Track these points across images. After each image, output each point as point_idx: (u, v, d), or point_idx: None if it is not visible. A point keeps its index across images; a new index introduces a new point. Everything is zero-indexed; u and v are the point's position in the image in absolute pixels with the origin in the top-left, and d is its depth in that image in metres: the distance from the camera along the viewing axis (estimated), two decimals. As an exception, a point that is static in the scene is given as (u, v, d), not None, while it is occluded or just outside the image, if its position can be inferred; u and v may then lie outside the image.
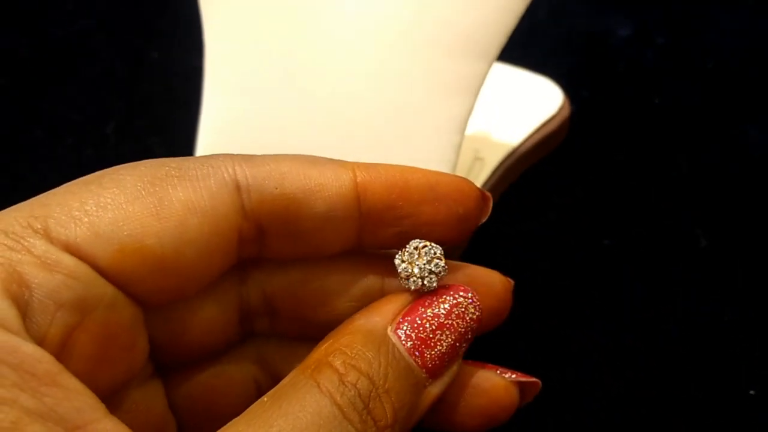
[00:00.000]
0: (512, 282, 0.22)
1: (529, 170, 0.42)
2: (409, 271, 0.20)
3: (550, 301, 0.36)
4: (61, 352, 0.16)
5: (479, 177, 0.38)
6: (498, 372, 0.22)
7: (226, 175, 0.19)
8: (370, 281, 0.21)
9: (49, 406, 0.15)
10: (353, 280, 0.21)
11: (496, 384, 0.21)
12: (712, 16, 0.51)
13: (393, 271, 0.20)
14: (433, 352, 0.19)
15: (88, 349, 0.17)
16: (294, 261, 0.21)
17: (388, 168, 0.20)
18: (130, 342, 0.18)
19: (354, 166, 0.20)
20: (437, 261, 0.20)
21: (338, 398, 0.17)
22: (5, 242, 0.16)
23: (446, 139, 0.30)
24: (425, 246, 0.20)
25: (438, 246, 0.20)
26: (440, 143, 0.31)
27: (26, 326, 0.16)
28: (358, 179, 0.20)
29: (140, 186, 0.18)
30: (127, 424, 0.17)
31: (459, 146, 0.31)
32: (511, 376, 0.22)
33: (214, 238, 0.18)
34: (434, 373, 0.19)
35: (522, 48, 0.44)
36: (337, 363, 0.18)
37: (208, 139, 0.32)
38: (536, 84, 0.43)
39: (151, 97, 0.47)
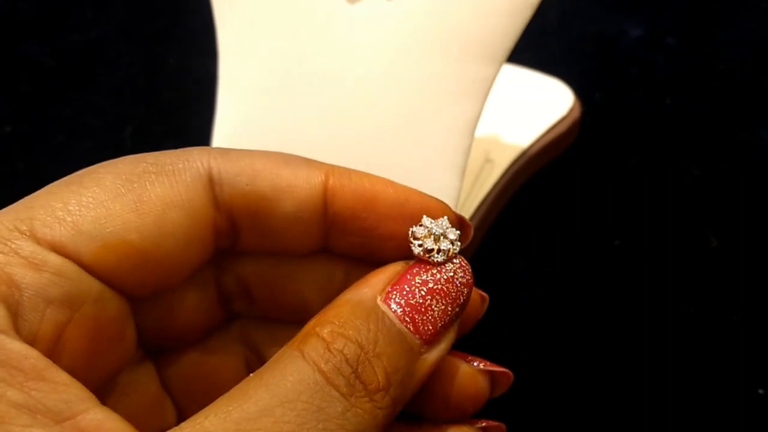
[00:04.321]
0: (487, 296, 0.22)
1: (540, 172, 0.42)
2: (433, 246, 0.20)
3: (560, 301, 0.36)
4: (54, 348, 0.17)
5: (489, 179, 0.39)
6: (468, 360, 0.22)
7: (201, 169, 0.19)
8: (337, 274, 0.22)
9: (36, 399, 0.15)
10: (319, 271, 0.22)
11: (463, 372, 0.21)
12: (723, 18, 0.51)
13: (357, 268, 0.20)
14: (425, 318, 0.19)
15: (80, 343, 0.18)
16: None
17: (361, 177, 0.20)
18: (119, 333, 0.19)
19: (328, 169, 0.20)
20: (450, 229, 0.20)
21: (322, 365, 0.17)
22: None
23: (455, 142, 0.31)
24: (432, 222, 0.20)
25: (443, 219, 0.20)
26: (449, 146, 0.31)
27: (18, 325, 0.16)
28: (329, 183, 0.20)
29: (119, 184, 0.18)
30: (122, 407, 0.18)
31: (468, 149, 0.31)
32: (479, 364, 0.22)
33: (191, 231, 0.19)
34: (428, 340, 0.19)
35: (534, 50, 0.44)
36: (324, 332, 0.18)
37: (222, 143, 0.32)
38: (546, 85, 0.43)
39: (168, 103, 0.48)
